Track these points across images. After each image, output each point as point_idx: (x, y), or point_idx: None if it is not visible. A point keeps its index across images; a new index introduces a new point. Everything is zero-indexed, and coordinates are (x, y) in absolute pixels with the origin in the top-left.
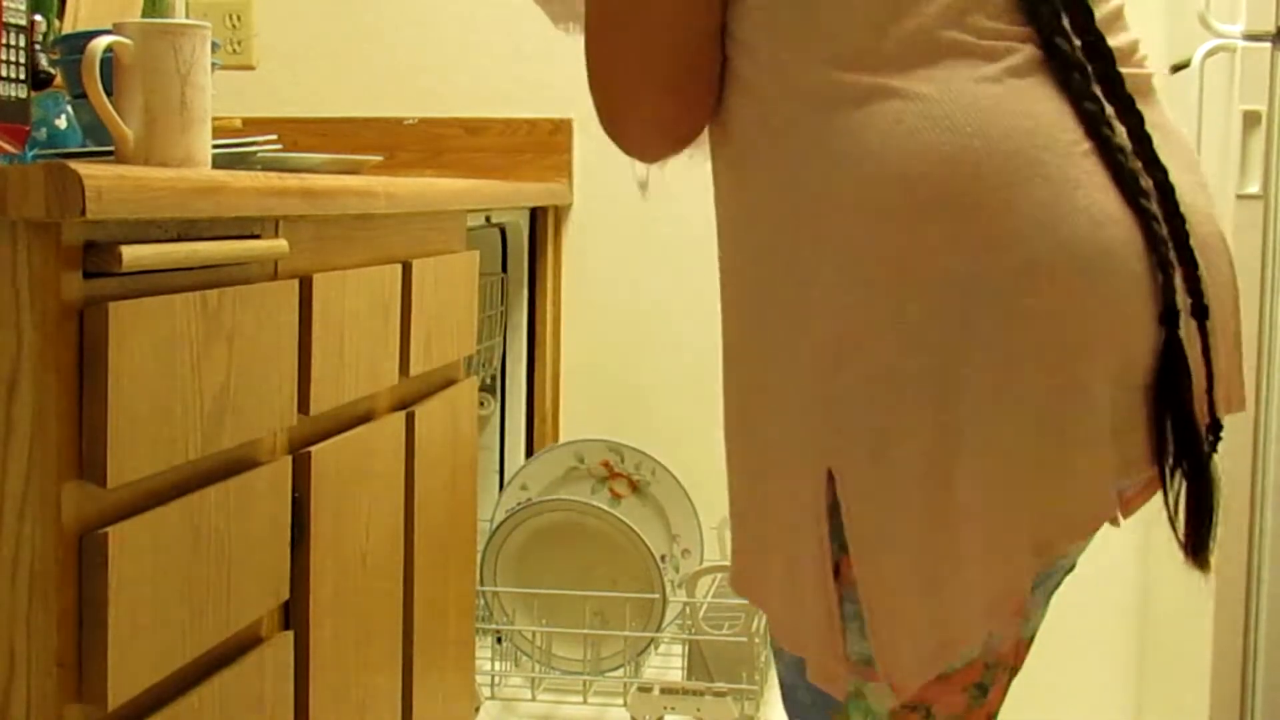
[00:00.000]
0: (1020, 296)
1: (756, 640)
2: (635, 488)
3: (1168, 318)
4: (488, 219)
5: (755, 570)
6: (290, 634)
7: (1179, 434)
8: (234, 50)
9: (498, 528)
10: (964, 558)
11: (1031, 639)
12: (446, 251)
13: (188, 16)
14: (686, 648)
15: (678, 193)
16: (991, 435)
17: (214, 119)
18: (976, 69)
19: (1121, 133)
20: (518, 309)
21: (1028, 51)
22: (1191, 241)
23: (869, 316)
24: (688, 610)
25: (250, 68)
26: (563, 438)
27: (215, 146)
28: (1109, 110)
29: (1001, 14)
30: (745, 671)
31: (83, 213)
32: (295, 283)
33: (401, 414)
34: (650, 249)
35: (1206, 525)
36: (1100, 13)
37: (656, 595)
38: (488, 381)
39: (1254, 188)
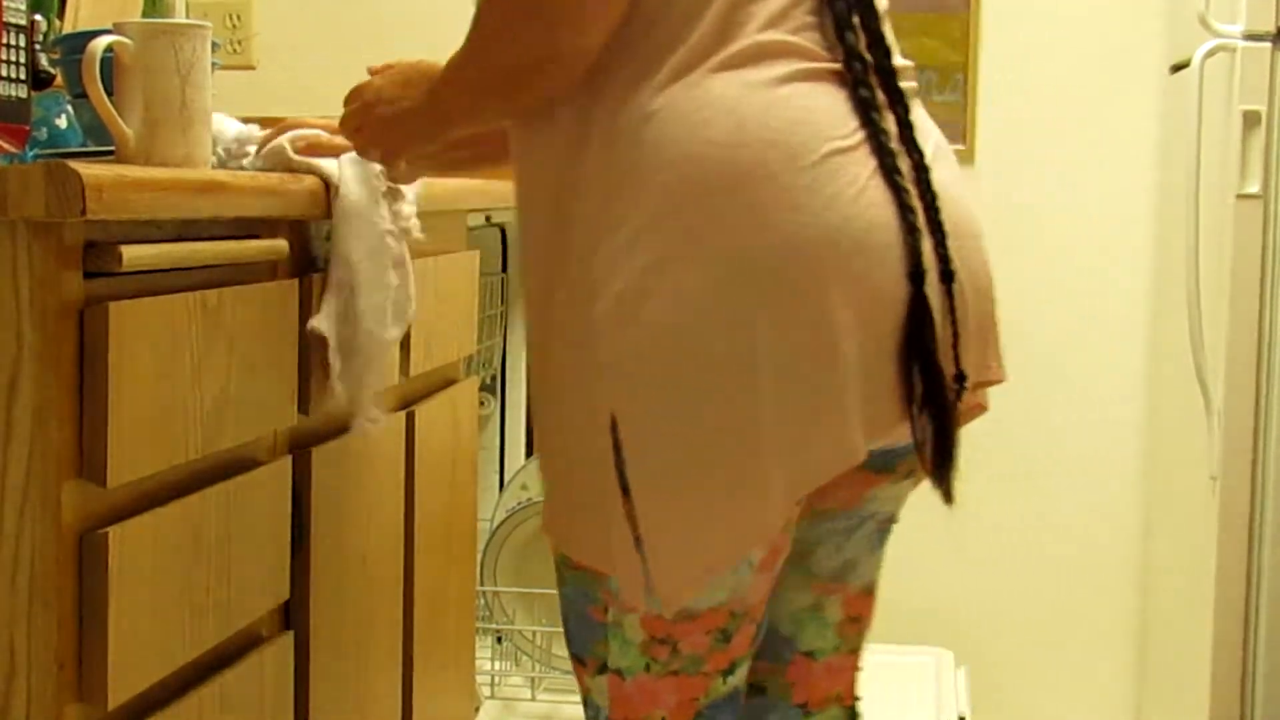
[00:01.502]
0: (785, 272)
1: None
2: None
3: (914, 276)
4: (488, 219)
5: (561, 506)
6: (290, 634)
7: (925, 379)
8: (234, 50)
9: (498, 528)
10: (728, 493)
11: (871, 591)
12: (446, 251)
13: (188, 16)
14: None
15: None
16: (753, 390)
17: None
18: (772, 72)
19: (890, 120)
20: (518, 309)
21: (821, 58)
22: (943, 219)
23: (655, 283)
24: None
25: (250, 68)
26: None
27: None
28: (881, 101)
29: (802, 29)
30: None
31: (83, 213)
32: (295, 283)
33: (401, 414)
34: None
35: (949, 460)
36: (888, 36)
37: None
38: (488, 381)
39: (1254, 188)
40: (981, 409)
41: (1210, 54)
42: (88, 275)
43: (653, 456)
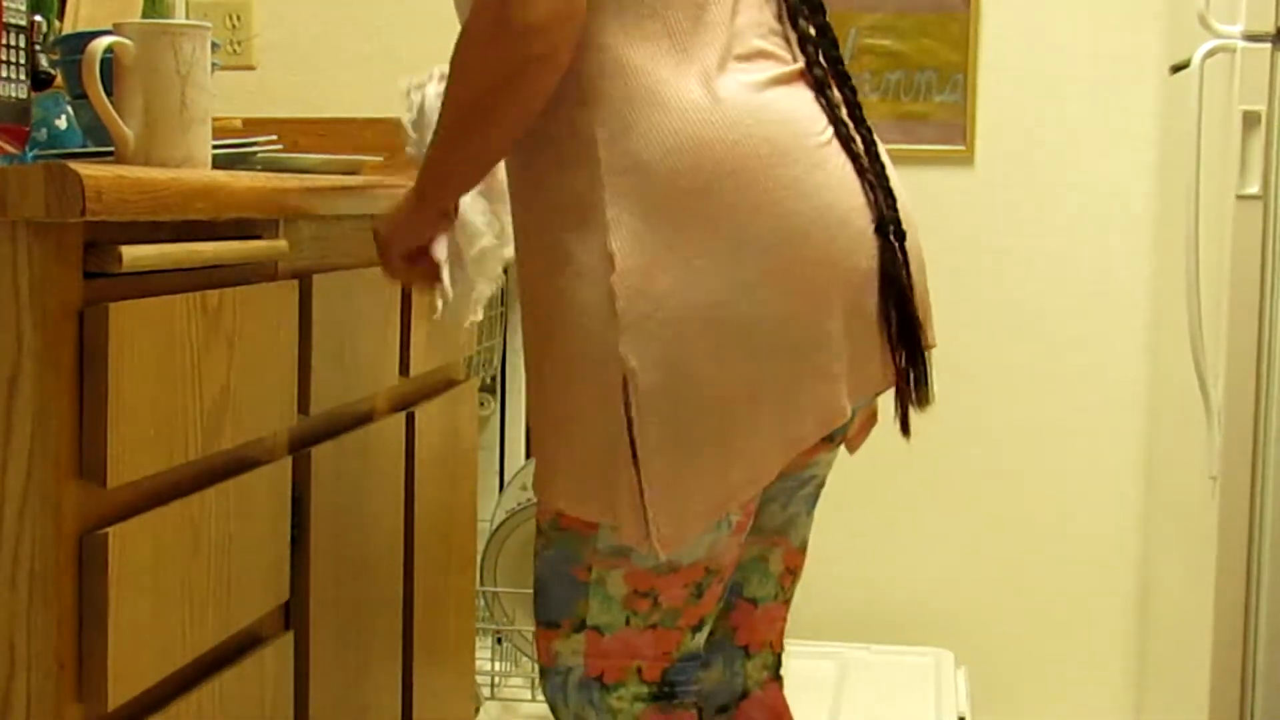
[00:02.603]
0: (780, 251)
1: None
2: None
3: (881, 228)
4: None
5: (565, 466)
6: (290, 634)
7: (899, 318)
8: (234, 50)
9: (498, 528)
10: (726, 448)
11: (804, 548)
12: None
13: (188, 16)
14: None
15: None
16: (755, 355)
17: (214, 119)
18: (759, 75)
19: (845, 115)
20: (518, 309)
21: (788, 62)
22: (892, 187)
23: (667, 258)
24: None
25: (250, 68)
26: None
27: (215, 146)
28: (838, 99)
29: (770, 34)
30: None
31: (83, 213)
32: (295, 283)
33: (401, 414)
34: None
35: (923, 392)
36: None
37: None
38: (488, 381)
39: (1254, 188)
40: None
41: (1210, 54)
42: (88, 275)
43: (659, 412)
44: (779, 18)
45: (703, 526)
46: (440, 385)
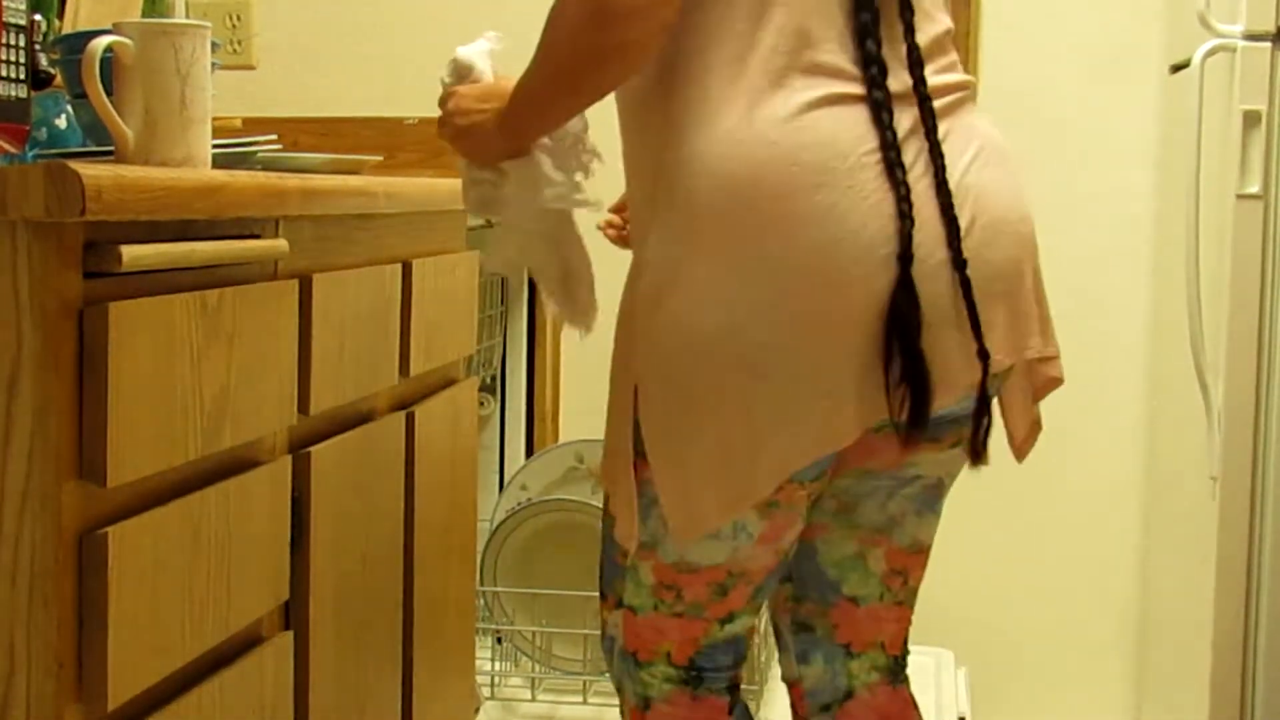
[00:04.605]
0: (797, 276)
1: (755, 640)
2: None
3: (903, 258)
4: (488, 219)
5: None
6: (290, 634)
7: (904, 358)
8: (234, 50)
9: (498, 528)
10: (720, 465)
11: (918, 550)
12: (446, 251)
13: (188, 16)
14: None
15: None
16: (753, 379)
17: (214, 119)
18: (803, 96)
19: (916, 138)
20: (518, 309)
21: (846, 81)
22: (959, 215)
23: (681, 275)
24: None
25: (250, 68)
26: (563, 438)
27: (215, 146)
28: (908, 124)
29: (829, 50)
30: (745, 671)
31: (83, 213)
32: (295, 283)
33: (401, 414)
34: None
35: (922, 427)
36: (926, 49)
37: None
38: (488, 381)
39: (1254, 188)
40: (1056, 382)
41: (1210, 54)
42: (88, 275)
43: (661, 426)
44: (853, 33)
45: (700, 537)
46: (440, 385)
